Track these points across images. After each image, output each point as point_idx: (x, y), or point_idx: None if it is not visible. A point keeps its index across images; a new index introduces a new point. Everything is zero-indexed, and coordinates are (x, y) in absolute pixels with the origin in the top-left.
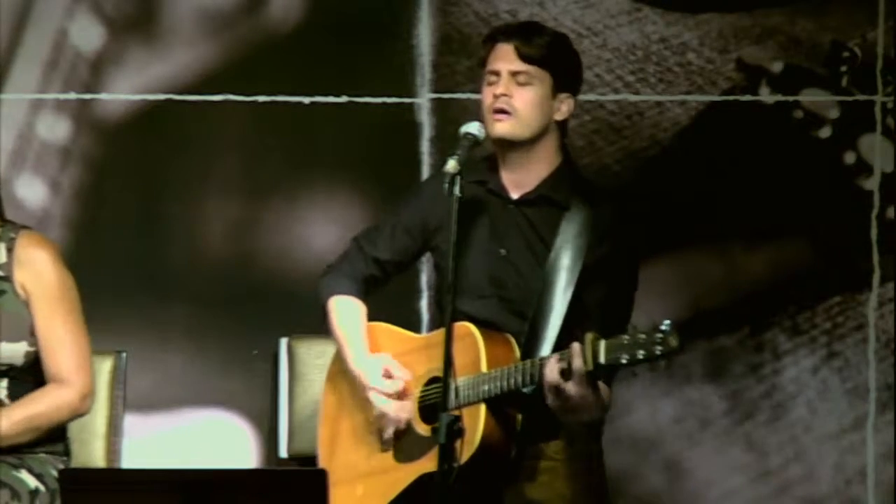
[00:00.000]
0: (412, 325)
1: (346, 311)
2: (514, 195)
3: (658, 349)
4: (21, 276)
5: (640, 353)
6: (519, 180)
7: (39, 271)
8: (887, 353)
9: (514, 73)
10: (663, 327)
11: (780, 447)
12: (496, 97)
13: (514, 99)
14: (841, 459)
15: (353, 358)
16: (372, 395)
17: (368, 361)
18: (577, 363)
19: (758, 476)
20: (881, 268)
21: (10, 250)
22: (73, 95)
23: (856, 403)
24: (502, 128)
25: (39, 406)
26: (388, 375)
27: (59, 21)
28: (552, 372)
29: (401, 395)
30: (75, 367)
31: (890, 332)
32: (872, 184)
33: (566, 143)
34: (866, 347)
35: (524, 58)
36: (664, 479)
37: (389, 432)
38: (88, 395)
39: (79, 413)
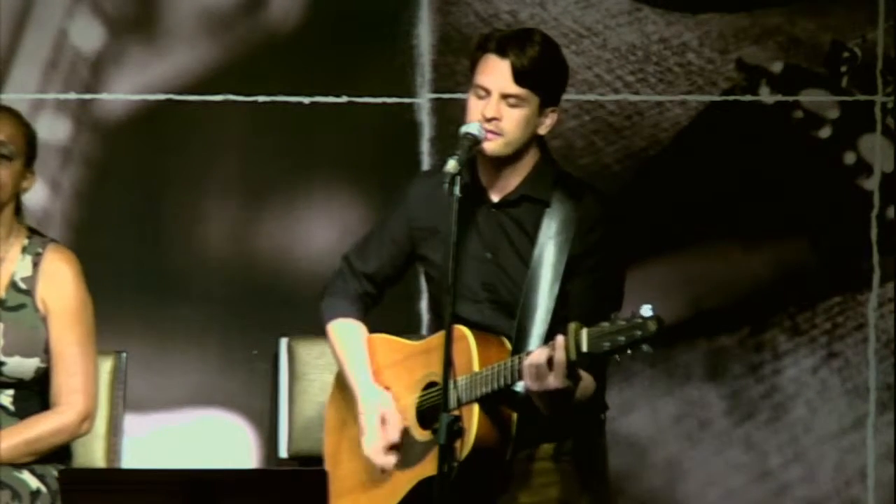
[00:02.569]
0: (413, 326)
1: (346, 335)
2: (495, 197)
3: (638, 334)
4: (43, 291)
5: (622, 339)
6: (499, 184)
7: (61, 287)
8: (887, 353)
9: (505, 96)
10: (643, 312)
11: (779, 447)
12: (485, 119)
13: (504, 121)
14: (841, 459)
15: (358, 387)
16: (362, 439)
17: (370, 400)
18: (559, 356)
19: (758, 476)
20: (881, 268)
21: (35, 264)
22: (73, 95)
23: (856, 403)
24: (489, 147)
25: (38, 431)
26: (384, 421)
27: (59, 21)
28: (539, 357)
29: (388, 448)
30: (79, 389)
31: (890, 332)
32: (872, 184)
33: (545, 142)
34: (866, 347)
35: (518, 80)
36: (664, 479)
37: (377, 470)
38: (89, 418)
39: (77, 436)
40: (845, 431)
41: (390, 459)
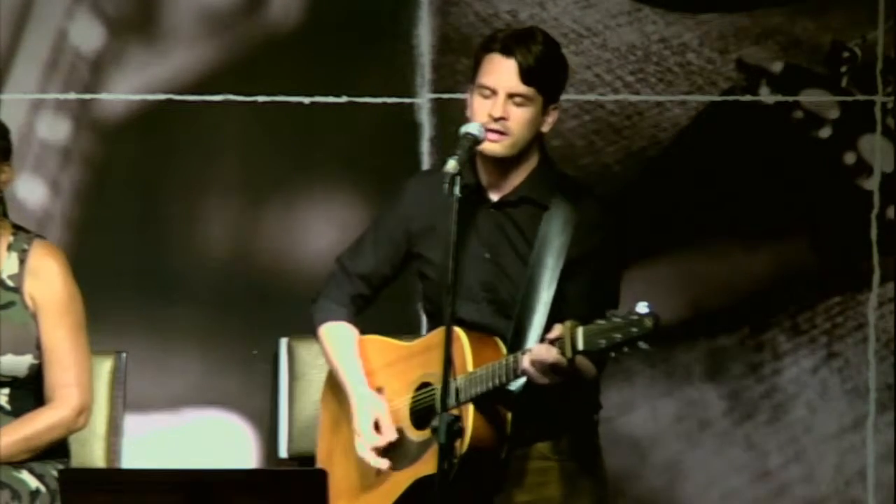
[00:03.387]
0: (411, 326)
1: (337, 338)
2: (494, 197)
3: (634, 331)
4: (30, 286)
5: (618, 336)
6: (499, 183)
7: (49, 282)
8: (887, 353)
9: (511, 95)
10: (638, 310)
11: (780, 447)
12: (493, 118)
13: (510, 121)
14: (841, 459)
15: (352, 390)
16: (356, 441)
17: (365, 401)
18: (555, 356)
19: (758, 476)
20: (881, 268)
21: (22, 261)
22: (73, 95)
23: (856, 403)
24: (496, 148)
25: (34, 427)
26: (377, 428)
27: (59, 21)
28: (538, 354)
29: (382, 451)
30: (73, 383)
31: (890, 332)
32: (872, 184)
33: (545, 144)
34: (866, 347)
35: (525, 79)
36: (664, 479)
37: (375, 467)
38: (84, 412)
39: (74, 430)
40: (845, 431)
41: (384, 462)
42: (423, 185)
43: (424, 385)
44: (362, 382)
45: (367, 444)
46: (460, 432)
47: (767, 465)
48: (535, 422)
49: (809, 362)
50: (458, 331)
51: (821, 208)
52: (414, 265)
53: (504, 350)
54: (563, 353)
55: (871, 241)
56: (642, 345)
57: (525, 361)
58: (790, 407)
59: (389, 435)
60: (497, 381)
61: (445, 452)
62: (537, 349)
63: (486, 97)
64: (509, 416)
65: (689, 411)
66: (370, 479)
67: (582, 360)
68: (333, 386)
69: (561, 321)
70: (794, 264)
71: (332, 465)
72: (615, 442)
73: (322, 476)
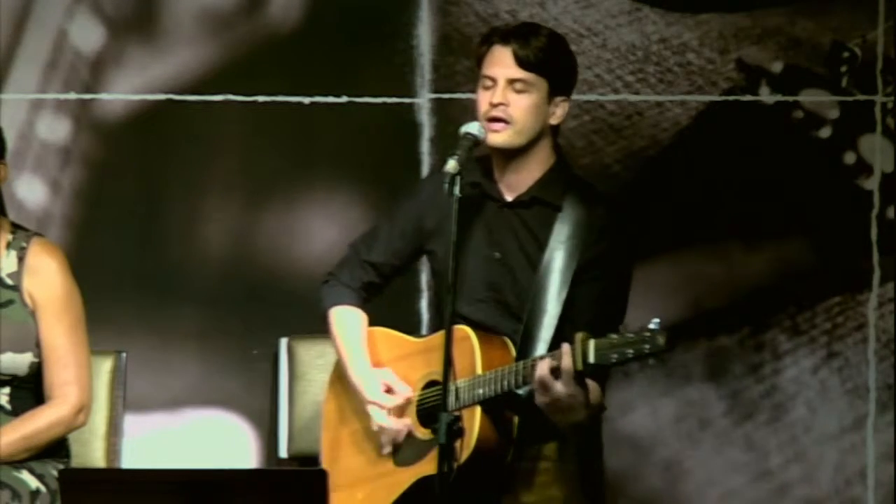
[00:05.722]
0: (412, 324)
1: (345, 321)
2: (508, 197)
3: (646, 347)
4: (29, 284)
5: (630, 352)
6: (512, 182)
7: (47, 280)
8: (887, 353)
9: (511, 81)
10: (652, 326)
11: (780, 447)
12: (493, 106)
13: (511, 107)
14: (841, 459)
15: (355, 370)
16: (371, 409)
17: (370, 375)
18: (566, 362)
19: (758, 476)
20: (881, 268)
21: (21, 259)
22: (73, 95)
23: (856, 403)
24: (498, 138)
25: (34, 426)
26: (389, 391)
27: (59, 21)
28: (542, 370)
29: (399, 411)
30: (72, 380)
31: (890, 332)
32: (872, 184)
33: (559, 144)
34: (866, 347)
35: (522, 64)
36: (664, 479)
37: (387, 448)
38: (84, 410)
39: (73, 428)
40: (845, 431)
41: (406, 421)
42: (439, 184)
43: (431, 384)
44: (367, 367)
45: (385, 406)
46: (460, 432)
47: (767, 465)
48: (540, 425)
49: (809, 362)
50: (468, 331)
51: (821, 208)
52: (428, 260)
53: (513, 350)
54: (573, 366)
55: (871, 241)
56: (651, 361)
57: (523, 389)
58: (790, 407)
59: (404, 392)
60: (505, 385)
61: (446, 452)
62: (542, 366)
63: (487, 88)
64: (516, 419)
65: (689, 411)
66: (374, 473)
67: (590, 385)
68: (340, 376)
69: (569, 324)
70: (794, 264)
71: (337, 457)
72: (615, 442)
73: (322, 476)
